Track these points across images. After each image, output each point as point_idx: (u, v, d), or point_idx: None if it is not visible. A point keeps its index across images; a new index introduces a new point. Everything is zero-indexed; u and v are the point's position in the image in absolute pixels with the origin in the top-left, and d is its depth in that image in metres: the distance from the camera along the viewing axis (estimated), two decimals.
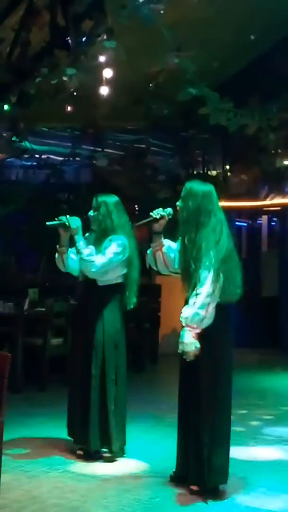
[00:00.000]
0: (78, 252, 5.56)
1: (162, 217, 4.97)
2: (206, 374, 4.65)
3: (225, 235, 4.72)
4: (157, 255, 4.99)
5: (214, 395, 4.68)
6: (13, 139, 9.88)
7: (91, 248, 5.54)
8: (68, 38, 7.08)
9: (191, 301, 4.58)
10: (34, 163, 11.04)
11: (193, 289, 4.58)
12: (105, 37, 7.11)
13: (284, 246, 12.23)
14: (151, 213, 4.96)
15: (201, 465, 4.63)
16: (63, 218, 5.60)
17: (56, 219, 5.63)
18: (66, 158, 11.18)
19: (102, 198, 5.66)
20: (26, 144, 10.37)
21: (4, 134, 9.73)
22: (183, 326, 4.59)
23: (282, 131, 10.98)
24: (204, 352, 4.58)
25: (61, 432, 5.81)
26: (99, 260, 5.46)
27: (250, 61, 11.00)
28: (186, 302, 4.66)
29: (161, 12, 6.90)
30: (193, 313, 4.55)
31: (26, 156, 10.70)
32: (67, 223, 5.57)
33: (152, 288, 10.44)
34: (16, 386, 7.85)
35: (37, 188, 10.96)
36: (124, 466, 5.43)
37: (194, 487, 4.71)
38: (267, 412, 7.36)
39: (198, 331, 4.55)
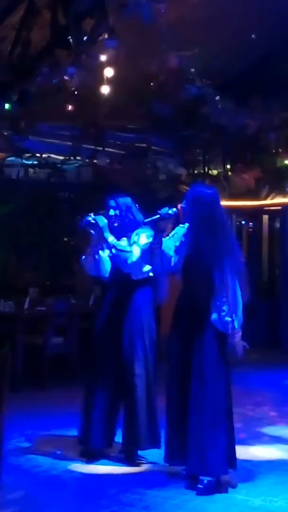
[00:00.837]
0: (112, 247, 5.52)
1: (169, 216, 5.02)
2: (216, 371, 4.85)
3: (235, 241, 4.91)
4: (155, 252, 5.04)
5: (220, 390, 4.83)
6: (13, 138, 9.89)
7: (125, 240, 5.53)
8: (69, 37, 7.08)
9: (221, 307, 4.78)
10: (35, 162, 11.04)
11: (217, 295, 4.78)
12: (106, 36, 7.12)
13: (285, 246, 12.21)
14: (159, 212, 5.02)
15: (196, 457, 4.72)
16: (89, 218, 5.59)
17: (84, 220, 5.59)
18: (67, 157, 11.16)
19: (120, 198, 5.68)
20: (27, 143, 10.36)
21: (5, 133, 9.74)
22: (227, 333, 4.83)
23: (282, 130, 11.00)
24: (218, 350, 4.85)
25: (61, 431, 5.81)
26: (136, 250, 5.44)
27: (251, 60, 11.00)
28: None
29: (162, 11, 6.91)
30: (239, 320, 4.85)
31: (26, 155, 10.70)
32: (94, 222, 5.55)
33: None
34: (16, 385, 7.85)
35: (38, 187, 10.95)
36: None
37: (196, 485, 4.74)
38: (267, 412, 7.36)
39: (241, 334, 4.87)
